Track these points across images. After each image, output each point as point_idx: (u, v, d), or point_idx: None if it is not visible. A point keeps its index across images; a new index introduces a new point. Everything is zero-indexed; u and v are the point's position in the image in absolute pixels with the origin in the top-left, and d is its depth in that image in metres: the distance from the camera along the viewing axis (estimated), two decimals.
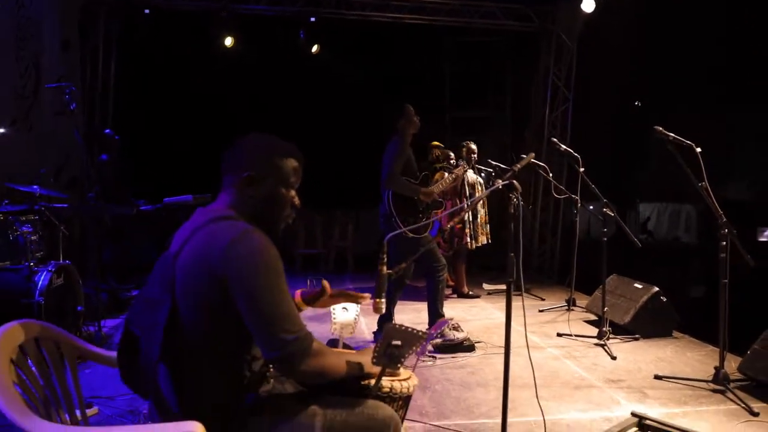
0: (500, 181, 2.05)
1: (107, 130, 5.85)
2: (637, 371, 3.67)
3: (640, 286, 4.55)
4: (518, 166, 2.11)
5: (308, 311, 1.90)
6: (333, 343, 2.47)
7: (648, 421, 2.02)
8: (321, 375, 1.49)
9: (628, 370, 3.70)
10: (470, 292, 6.00)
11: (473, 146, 5.77)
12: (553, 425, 2.82)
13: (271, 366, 1.57)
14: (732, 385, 3.27)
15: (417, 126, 4.07)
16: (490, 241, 5.90)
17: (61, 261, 3.82)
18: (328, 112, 7.81)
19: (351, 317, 2.08)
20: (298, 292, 1.92)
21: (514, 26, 7.47)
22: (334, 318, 2.05)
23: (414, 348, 1.56)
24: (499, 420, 2.24)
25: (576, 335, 4.41)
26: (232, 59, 7.44)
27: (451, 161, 5.75)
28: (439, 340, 3.97)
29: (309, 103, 7.78)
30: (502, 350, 2.17)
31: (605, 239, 4.33)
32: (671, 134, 3.23)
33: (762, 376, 3.24)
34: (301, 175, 1.60)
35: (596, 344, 4.20)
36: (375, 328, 4.26)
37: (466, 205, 5.47)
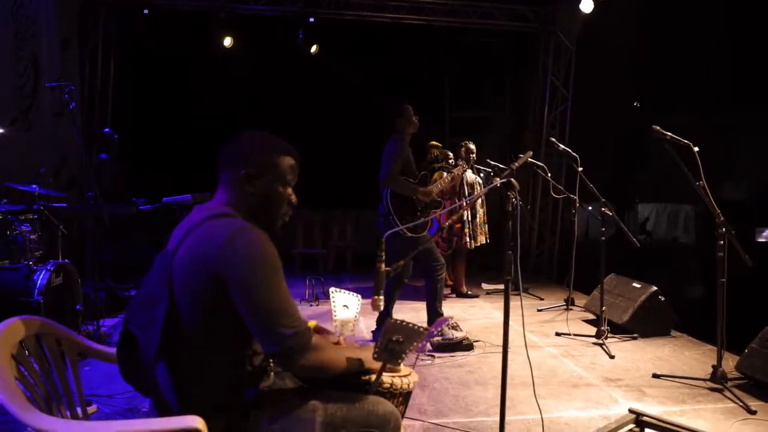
0: (498, 179, 2.06)
1: (107, 129, 5.86)
2: (635, 370, 3.68)
3: (638, 286, 4.56)
4: (516, 164, 2.12)
5: (308, 311, 1.92)
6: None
7: (645, 418, 2.03)
8: (321, 369, 1.50)
9: (626, 368, 3.71)
10: (469, 292, 6.01)
11: (472, 146, 5.78)
12: (551, 423, 2.83)
13: (271, 361, 1.58)
14: (730, 383, 3.28)
15: (416, 126, 4.08)
16: (488, 241, 5.91)
17: (60, 260, 3.82)
18: (327, 112, 7.83)
19: (351, 315, 2.08)
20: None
21: (513, 27, 7.49)
22: (335, 315, 2.06)
23: (415, 344, 1.57)
24: (497, 418, 2.25)
25: (574, 334, 4.42)
26: (231, 59, 7.45)
27: (450, 161, 5.76)
28: (438, 337, 3.98)
29: (308, 103, 7.79)
30: (501, 349, 2.17)
31: (603, 239, 4.35)
32: (669, 133, 3.24)
33: (759, 375, 3.25)
34: (297, 172, 1.61)
35: (594, 343, 4.21)
36: (374, 327, 4.27)
37: (465, 203, 5.47)
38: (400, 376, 1.69)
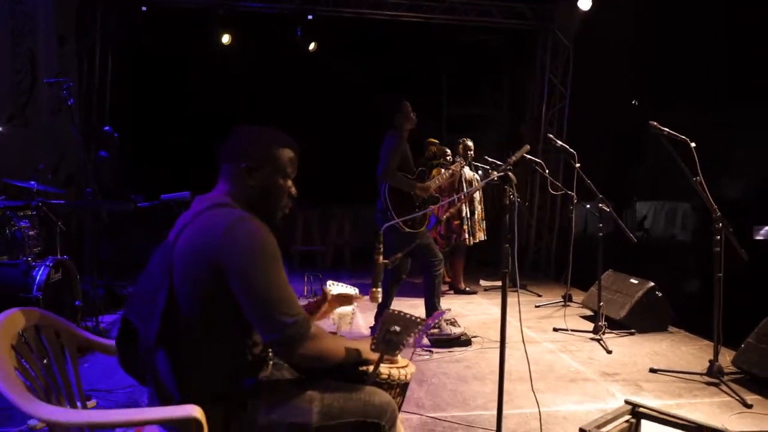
0: (496, 173, 2.07)
1: (107, 128, 5.85)
2: (633, 365, 3.70)
3: (635, 282, 4.58)
4: (513, 158, 2.13)
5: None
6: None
7: (641, 409, 2.04)
8: (319, 359, 1.50)
9: (623, 363, 3.73)
10: (467, 288, 6.03)
11: (470, 143, 5.79)
12: (548, 417, 2.84)
13: (270, 351, 1.59)
14: (726, 378, 3.30)
15: (414, 122, 4.08)
16: (486, 238, 5.93)
17: (59, 256, 3.82)
18: (326, 109, 7.83)
19: (349, 308, 2.10)
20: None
21: (511, 24, 7.49)
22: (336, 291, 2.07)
23: (412, 335, 1.58)
24: (494, 412, 2.27)
25: (572, 330, 4.43)
26: (230, 56, 7.45)
27: (448, 158, 5.77)
28: (436, 329, 4.00)
29: (306, 100, 7.80)
30: (499, 345, 2.19)
31: (601, 234, 4.36)
32: (666, 129, 3.25)
33: (756, 369, 3.27)
34: (297, 165, 1.62)
35: (592, 339, 4.23)
36: (372, 323, 4.28)
37: (463, 195, 5.48)
38: (397, 368, 1.70)
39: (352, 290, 2.15)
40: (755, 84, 7.67)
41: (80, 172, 5.85)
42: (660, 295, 4.46)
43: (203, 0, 6.85)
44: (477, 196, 5.96)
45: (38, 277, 3.49)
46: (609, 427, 1.95)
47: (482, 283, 6.41)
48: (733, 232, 3.25)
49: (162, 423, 1.37)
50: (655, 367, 3.55)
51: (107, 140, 5.70)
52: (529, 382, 2.68)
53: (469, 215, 5.83)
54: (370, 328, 4.28)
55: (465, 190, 5.80)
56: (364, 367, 1.63)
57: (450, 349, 3.95)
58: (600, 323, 4.26)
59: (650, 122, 3.27)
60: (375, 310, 4.20)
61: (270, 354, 1.59)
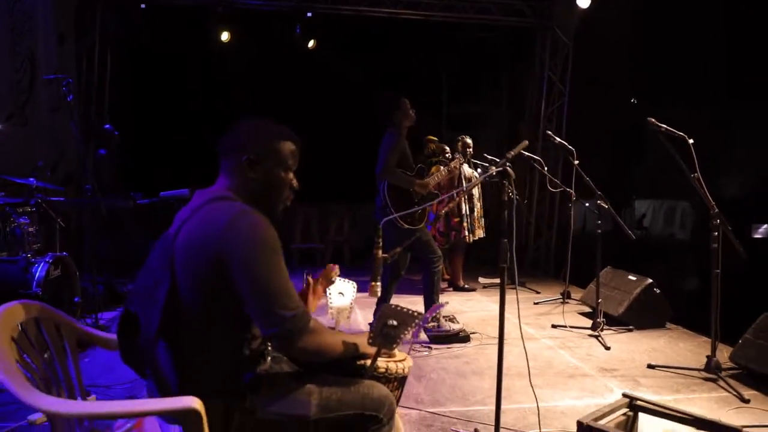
0: (494, 168, 2.08)
1: (107, 126, 5.85)
2: (631, 361, 3.71)
3: (633, 278, 4.59)
4: (511, 153, 2.14)
5: None
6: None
7: (638, 402, 2.05)
8: (318, 353, 1.51)
9: (621, 359, 3.75)
10: (466, 286, 6.04)
11: (468, 140, 5.80)
12: (547, 412, 2.86)
13: (269, 345, 1.59)
14: (724, 373, 3.31)
15: (412, 119, 4.08)
16: (485, 235, 5.94)
17: (58, 253, 3.83)
18: (325, 107, 7.82)
19: (347, 302, 2.11)
20: None
21: (510, 22, 7.49)
22: (330, 303, 2.08)
23: (409, 328, 1.58)
24: (493, 407, 2.28)
25: (570, 326, 4.44)
26: (229, 54, 7.45)
27: (447, 155, 5.78)
28: (433, 323, 4.01)
29: (305, 98, 7.78)
30: (497, 340, 2.19)
31: (599, 231, 4.37)
32: (663, 125, 3.26)
33: (753, 365, 3.29)
34: (298, 157, 1.63)
35: (590, 335, 4.24)
36: (371, 319, 4.29)
37: (462, 189, 5.48)
38: (395, 361, 1.71)
39: (350, 285, 2.17)
40: (755, 82, 7.67)
41: (79, 169, 5.85)
42: (658, 291, 4.47)
43: None
44: (476, 193, 5.97)
45: (37, 274, 3.50)
46: (606, 419, 1.96)
47: (481, 280, 6.42)
48: (732, 230, 3.26)
49: (161, 414, 1.38)
50: (653, 363, 3.56)
51: (107, 138, 5.70)
52: (528, 378, 2.69)
53: (468, 213, 5.84)
54: (369, 324, 4.29)
55: (464, 186, 5.82)
56: (362, 361, 1.64)
57: (449, 346, 3.97)
58: (598, 320, 4.27)
59: (648, 119, 3.27)
60: (374, 308, 4.21)
61: (269, 347, 1.60)
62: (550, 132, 5.02)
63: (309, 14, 7.11)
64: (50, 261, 3.61)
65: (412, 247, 4.04)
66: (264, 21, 7.40)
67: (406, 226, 3.85)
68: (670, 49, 8.42)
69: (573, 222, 5.26)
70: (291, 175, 1.62)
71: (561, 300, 5.34)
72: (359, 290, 2.44)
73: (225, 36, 7.23)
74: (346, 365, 1.62)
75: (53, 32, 6.09)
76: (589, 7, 6.60)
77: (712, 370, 3.34)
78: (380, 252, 1.91)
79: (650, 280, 4.46)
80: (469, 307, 5.24)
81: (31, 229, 3.77)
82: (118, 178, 5.60)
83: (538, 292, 5.90)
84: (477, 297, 5.76)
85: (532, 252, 7.95)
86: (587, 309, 4.97)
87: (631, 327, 4.38)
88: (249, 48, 7.52)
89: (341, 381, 1.58)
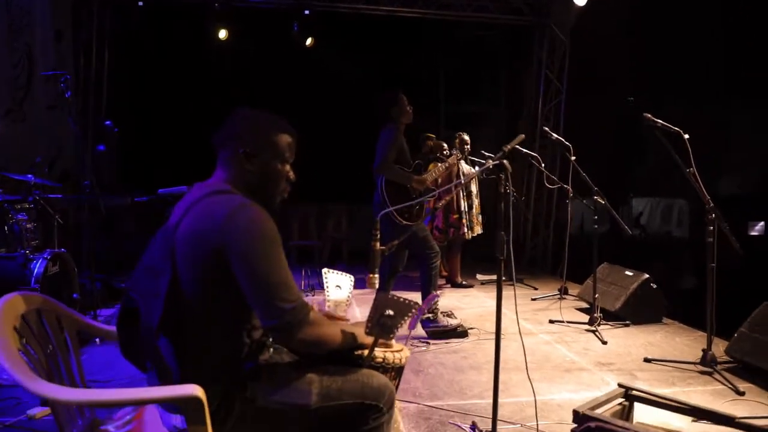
0: (491, 161, 2.09)
1: (108, 122, 5.85)
2: (627, 355, 3.74)
3: (630, 274, 4.62)
4: (508, 147, 2.15)
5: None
6: None
7: (634, 392, 2.07)
8: (317, 344, 1.52)
9: (618, 353, 3.77)
10: (464, 282, 6.06)
11: (466, 137, 5.81)
12: (544, 405, 2.88)
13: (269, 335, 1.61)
14: (719, 367, 3.34)
15: (410, 116, 4.09)
16: (483, 231, 5.97)
17: (56, 249, 3.84)
18: (322, 105, 7.83)
19: (344, 295, 2.12)
20: None
21: (507, 20, 7.51)
22: (328, 296, 2.09)
23: (406, 318, 1.60)
24: (491, 400, 2.29)
25: (568, 322, 4.47)
26: (226, 51, 7.45)
27: (445, 152, 5.79)
28: (429, 314, 4.03)
29: (303, 95, 7.79)
30: (495, 335, 2.21)
31: (596, 226, 4.39)
32: (660, 121, 3.28)
33: (748, 358, 3.31)
34: (295, 149, 1.64)
35: (587, 330, 4.27)
36: None
37: (461, 182, 5.49)
38: (392, 351, 1.72)
39: (347, 278, 2.18)
40: (753, 79, 7.68)
41: (78, 165, 5.86)
42: (654, 286, 4.50)
43: None
44: (474, 190, 5.99)
45: (36, 270, 3.51)
46: (602, 409, 1.98)
47: (479, 276, 6.45)
48: (729, 227, 3.28)
49: (163, 402, 1.39)
50: (650, 357, 3.59)
51: (107, 135, 5.71)
52: (525, 372, 2.71)
53: (467, 209, 5.87)
54: None
55: (462, 179, 5.84)
56: (360, 351, 1.66)
57: (447, 341, 3.99)
58: (595, 315, 4.30)
59: (644, 114, 3.30)
60: (372, 303, 4.22)
61: (270, 338, 1.62)
62: (547, 129, 5.04)
63: (306, 12, 7.12)
64: (48, 257, 3.61)
65: (409, 244, 4.06)
66: (261, 18, 7.40)
67: (404, 222, 3.86)
68: (667, 47, 8.44)
69: (571, 220, 5.28)
70: (288, 167, 1.63)
71: (558, 296, 5.36)
72: (358, 287, 2.46)
73: (222, 34, 7.23)
74: (344, 355, 1.64)
75: (50, 28, 6.09)
76: (586, 4, 6.62)
77: (707, 364, 3.36)
78: (378, 244, 1.92)
79: (647, 276, 4.49)
80: (467, 304, 5.26)
81: (29, 226, 3.77)
82: (117, 175, 5.60)
83: (535, 288, 5.93)
84: (474, 293, 5.78)
85: (529, 249, 7.98)
86: (584, 304, 4.99)
87: (627, 322, 4.41)
88: (246, 45, 7.53)
89: (341, 370, 1.59)
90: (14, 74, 5.65)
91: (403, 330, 1.67)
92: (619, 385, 2.14)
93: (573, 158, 4.60)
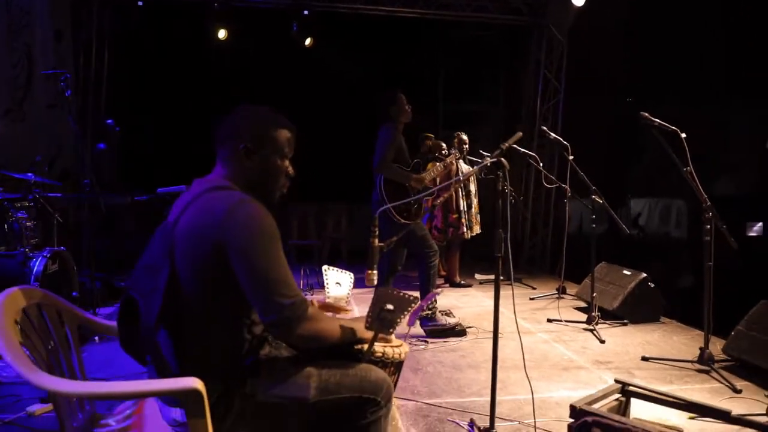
0: (489, 158, 2.11)
1: (109, 121, 5.86)
2: (625, 353, 3.75)
3: (628, 273, 4.63)
4: (506, 144, 2.17)
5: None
6: None
7: (631, 387, 2.09)
8: (316, 339, 1.53)
9: (616, 352, 3.78)
10: (462, 282, 6.07)
11: (464, 137, 5.83)
12: (542, 403, 2.89)
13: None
14: (717, 365, 3.36)
15: (408, 115, 4.11)
16: (480, 231, 5.98)
17: (56, 247, 3.85)
18: (322, 104, 7.84)
19: (344, 292, 2.13)
20: None
21: (506, 20, 7.53)
22: (327, 293, 2.11)
23: (405, 313, 1.61)
24: (489, 398, 2.31)
25: (566, 321, 4.49)
26: (226, 51, 7.46)
27: (444, 152, 5.80)
28: (428, 311, 4.04)
29: (302, 95, 7.79)
30: (492, 329, 2.22)
31: (594, 225, 4.41)
32: (657, 120, 3.30)
33: (745, 356, 3.33)
34: (294, 145, 1.65)
35: (585, 329, 4.28)
36: None
37: (457, 180, 5.51)
38: (391, 346, 1.74)
39: (347, 275, 2.19)
40: (752, 79, 7.69)
41: (77, 164, 5.86)
42: (652, 286, 4.51)
43: None
44: (473, 189, 6.01)
45: (35, 268, 3.52)
46: (599, 404, 1.99)
47: (477, 276, 6.47)
48: (727, 228, 3.30)
49: (164, 394, 1.40)
50: (647, 356, 3.60)
51: (108, 133, 5.71)
52: (524, 370, 2.72)
53: (466, 209, 5.89)
54: None
55: (462, 184, 5.85)
56: (359, 346, 1.67)
57: (445, 339, 4.00)
58: (593, 314, 4.31)
59: (641, 113, 3.32)
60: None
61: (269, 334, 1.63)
62: (545, 128, 5.06)
63: (305, 12, 7.13)
64: (48, 255, 3.62)
65: (408, 242, 4.07)
66: (260, 18, 7.41)
67: (402, 221, 3.88)
68: (665, 48, 8.45)
69: (569, 219, 5.30)
70: (287, 162, 1.64)
71: (556, 295, 5.38)
72: (357, 286, 2.47)
73: (222, 33, 7.24)
74: (344, 350, 1.65)
75: (50, 28, 6.09)
76: (584, 5, 6.64)
77: (705, 362, 3.38)
78: (376, 241, 1.94)
79: (644, 275, 4.51)
80: (465, 303, 5.28)
81: (29, 224, 3.78)
82: (117, 174, 5.61)
83: (534, 288, 5.94)
84: (473, 293, 5.80)
85: (528, 249, 7.99)
86: (582, 304, 5.01)
87: (625, 321, 4.42)
88: (246, 45, 7.53)
89: (340, 364, 1.61)
90: (14, 74, 5.66)
91: (402, 325, 1.68)
92: (616, 381, 2.16)
93: (571, 157, 4.62)
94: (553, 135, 4.78)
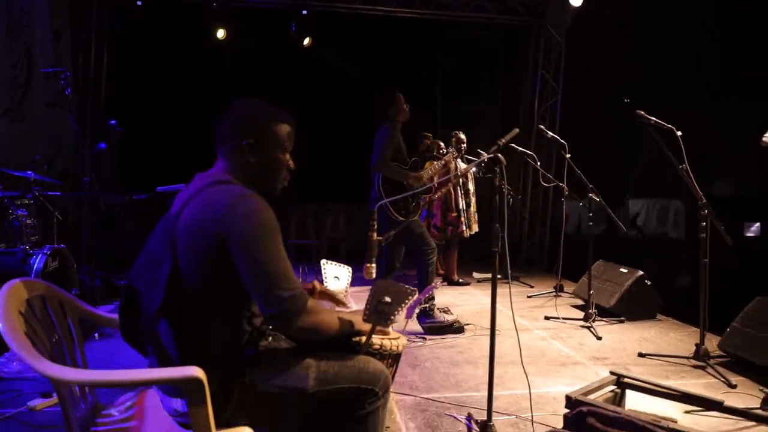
0: (486, 154, 2.13)
1: (112, 121, 5.88)
2: (622, 350, 3.78)
3: (625, 271, 4.66)
4: (503, 140, 2.19)
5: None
6: None
7: (626, 379, 2.11)
8: (315, 331, 1.56)
9: (612, 348, 3.81)
10: (460, 280, 6.10)
11: (462, 136, 5.86)
12: (539, 397, 2.92)
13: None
14: (712, 361, 3.38)
15: (407, 114, 4.13)
16: (478, 229, 6.01)
17: (56, 245, 3.86)
18: (320, 104, 7.86)
19: (342, 286, 2.16)
20: None
21: (504, 20, 7.56)
22: (326, 286, 2.13)
23: (403, 305, 1.64)
24: (486, 393, 2.33)
25: (563, 318, 4.51)
26: (225, 51, 7.49)
27: (442, 151, 5.83)
28: (425, 305, 4.06)
29: (301, 95, 7.80)
30: (490, 324, 2.24)
31: (591, 223, 4.44)
32: (653, 118, 3.32)
33: (741, 352, 3.36)
34: (293, 138, 1.68)
35: (582, 326, 4.31)
36: None
37: (456, 175, 5.53)
38: (389, 339, 1.76)
39: (345, 269, 2.22)
40: (750, 79, 7.73)
41: (77, 162, 5.88)
42: (649, 283, 4.54)
43: None
44: (471, 188, 6.04)
45: (36, 265, 3.54)
46: (594, 395, 2.02)
47: (475, 275, 6.49)
48: (725, 229, 3.32)
49: (165, 383, 1.43)
50: (644, 352, 3.63)
51: (110, 134, 5.73)
52: (521, 366, 2.74)
53: (465, 208, 5.92)
54: None
55: (460, 182, 5.89)
56: (358, 338, 1.69)
57: (443, 336, 4.03)
58: (590, 311, 4.34)
59: (637, 111, 3.34)
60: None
61: (269, 326, 1.65)
62: (542, 126, 5.09)
63: (304, 12, 7.16)
64: (48, 253, 3.64)
65: (406, 240, 4.10)
66: (259, 18, 7.44)
67: (400, 218, 3.90)
68: (663, 48, 8.49)
69: (567, 219, 5.33)
70: (288, 155, 1.67)
71: (554, 293, 5.41)
72: (356, 284, 2.49)
73: (221, 33, 7.27)
74: (342, 342, 1.67)
75: (50, 28, 6.11)
76: (581, 5, 6.68)
77: (700, 358, 3.41)
78: (375, 235, 1.96)
79: (641, 273, 4.54)
80: (463, 301, 5.30)
81: (29, 222, 3.80)
82: (116, 174, 5.63)
83: (531, 286, 5.97)
84: (471, 291, 5.82)
85: (525, 248, 8.02)
86: (580, 301, 5.03)
87: (622, 318, 4.45)
88: (245, 45, 7.56)
89: (338, 356, 1.63)
90: (13, 74, 5.68)
91: (400, 318, 1.71)
92: (611, 373, 2.18)
93: (568, 156, 4.65)
94: (550, 134, 4.81)
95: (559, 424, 2.29)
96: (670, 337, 4.10)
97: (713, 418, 2.49)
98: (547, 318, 4.57)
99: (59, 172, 6.00)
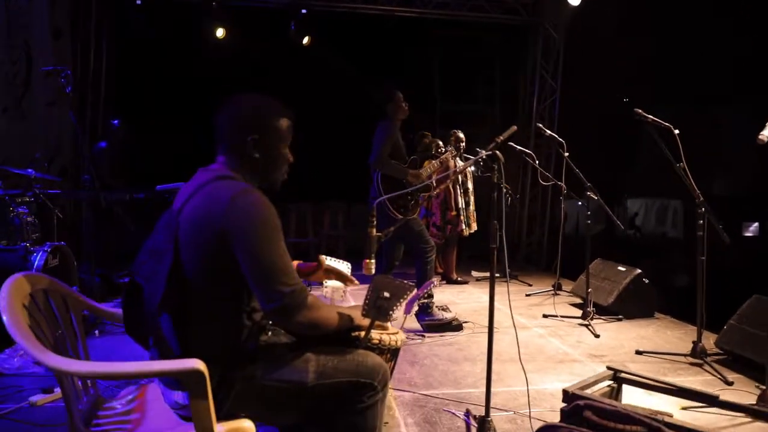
0: (484, 151, 2.15)
1: (115, 121, 5.89)
2: (620, 347, 3.80)
3: (623, 269, 4.68)
4: (501, 137, 2.21)
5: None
6: None
7: (622, 374, 2.13)
8: (315, 326, 1.58)
9: (610, 346, 3.83)
10: (459, 279, 6.12)
11: (461, 135, 5.87)
12: (537, 394, 2.94)
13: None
14: (709, 358, 3.40)
15: (405, 112, 4.15)
16: (477, 228, 6.03)
17: (56, 242, 3.88)
18: (319, 103, 7.87)
19: (341, 282, 2.17)
20: (295, 263, 1.99)
21: (503, 19, 7.59)
22: (325, 282, 2.15)
23: (402, 300, 1.66)
24: (484, 389, 2.35)
25: (561, 316, 4.53)
26: (224, 50, 7.50)
27: (440, 150, 5.85)
28: (425, 300, 4.08)
29: (300, 94, 7.80)
30: (488, 320, 2.26)
31: (589, 222, 4.45)
32: (650, 116, 3.34)
33: (738, 349, 3.38)
34: (292, 131, 1.70)
35: (580, 324, 4.33)
36: None
37: (455, 171, 5.54)
38: (388, 334, 1.78)
39: (345, 266, 2.23)
40: (749, 79, 7.76)
41: (77, 160, 5.89)
42: (647, 282, 4.56)
43: None
44: (470, 187, 6.06)
45: (36, 262, 3.55)
46: (591, 390, 2.03)
47: (474, 273, 6.51)
48: (724, 228, 3.34)
49: (166, 375, 1.44)
50: (641, 350, 3.65)
51: (113, 133, 5.74)
52: (519, 363, 2.76)
53: (464, 206, 5.94)
54: None
55: (460, 181, 5.91)
56: (357, 333, 1.71)
57: (441, 334, 4.04)
58: (588, 309, 4.36)
59: (635, 110, 3.36)
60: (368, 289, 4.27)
61: (269, 321, 1.66)
62: (540, 125, 5.10)
63: (303, 11, 7.17)
64: (48, 250, 3.66)
65: (405, 238, 4.11)
66: (259, 17, 7.45)
67: (399, 216, 3.92)
68: (662, 48, 8.52)
69: (565, 218, 5.35)
70: (287, 149, 1.69)
71: (552, 291, 5.43)
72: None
73: (220, 32, 7.28)
74: (342, 336, 1.69)
75: (49, 26, 6.12)
76: (580, 5, 6.69)
77: (697, 356, 3.43)
78: (374, 230, 1.98)
79: (639, 271, 4.55)
80: (462, 299, 5.32)
81: (29, 219, 3.82)
82: (116, 172, 5.65)
83: (530, 285, 5.99)
84: (470, 289, 5.84)
85: (524, 247, 8.04)
86: (578, 300, 5.05)
87: (620, 316, 4.47)
88: (244, 44, 7.57)
89: (337, 350, 1.65)
90: (13, 72, 5.69)
91: (399, 313, 1.73)
92: (608, 368, 2.20)
93: (566, 154, 4.67)
94: (548, 132, 4.83)
95: (557, 420, 2.31)
96: (667, 335, 4.12)
97: (710, 414, 2.52)
98: (545, 316, 4.59)
99: (59, 170, 6.02)
